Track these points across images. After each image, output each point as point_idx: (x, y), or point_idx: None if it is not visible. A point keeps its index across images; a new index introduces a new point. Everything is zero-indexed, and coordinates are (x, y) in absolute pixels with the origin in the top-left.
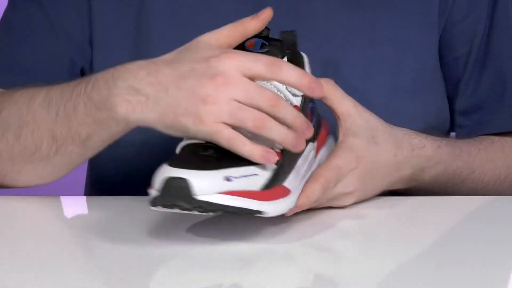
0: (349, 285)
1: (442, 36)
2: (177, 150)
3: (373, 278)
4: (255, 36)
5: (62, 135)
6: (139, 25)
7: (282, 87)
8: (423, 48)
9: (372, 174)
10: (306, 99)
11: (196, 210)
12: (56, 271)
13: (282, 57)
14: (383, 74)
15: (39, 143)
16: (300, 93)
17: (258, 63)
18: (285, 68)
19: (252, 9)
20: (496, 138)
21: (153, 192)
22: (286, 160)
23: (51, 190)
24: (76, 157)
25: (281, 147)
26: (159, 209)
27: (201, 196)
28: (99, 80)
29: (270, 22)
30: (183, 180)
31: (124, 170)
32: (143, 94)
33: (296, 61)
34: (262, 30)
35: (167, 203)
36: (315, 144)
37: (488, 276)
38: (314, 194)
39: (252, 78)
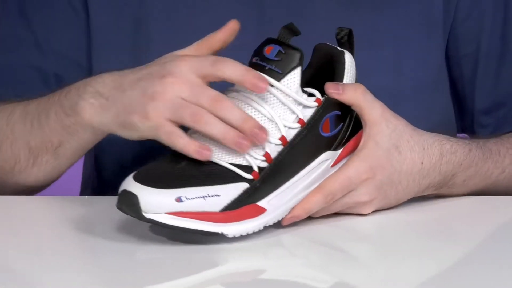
0: None
1: (449, 34)
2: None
3: (388, 283)
4: (276, 42)
5: (36, 145)
6: (138, 26)
7: (285, 99)
8: (425, 48)
9: (393, 183)
10: (322, 110)
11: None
12: (54, 270)
13: (296, 67)
14: (383, 75)
15: (17, 156)
16: (314, 104)
17: (205, 62)
18: (229, 65)
19: (252, 10)
20: None
21: None
22: (268, 179)
23: (47, 190)
24: (52, 168)
25: (260, 165)
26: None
27: (148, 214)
28: (72, 89)
29: (270, 22)
30: (134, 196)
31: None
32: (105, 97)
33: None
34: (286, 36)
35: (123, 212)
36: (337, 152)
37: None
38: (313, 205)
39: (204, 78)
